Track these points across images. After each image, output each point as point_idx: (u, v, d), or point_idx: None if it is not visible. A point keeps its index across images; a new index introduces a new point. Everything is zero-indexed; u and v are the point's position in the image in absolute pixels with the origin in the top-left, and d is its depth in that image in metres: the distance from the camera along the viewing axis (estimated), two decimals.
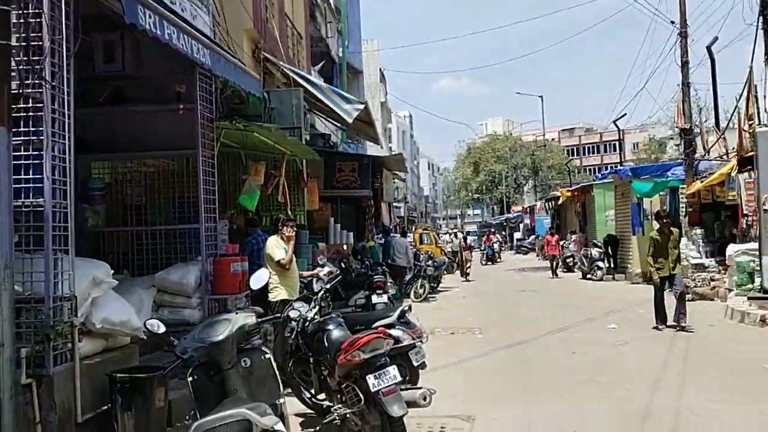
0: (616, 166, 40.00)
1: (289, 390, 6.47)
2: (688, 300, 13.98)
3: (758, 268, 12.35)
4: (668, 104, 69.88)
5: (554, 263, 24.27)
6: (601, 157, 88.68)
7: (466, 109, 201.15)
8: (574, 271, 24.78)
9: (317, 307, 5.98)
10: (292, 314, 5.88)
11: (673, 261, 10.73)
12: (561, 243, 25.50)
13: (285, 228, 7.70)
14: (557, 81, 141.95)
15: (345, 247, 15.42)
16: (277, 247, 7.62)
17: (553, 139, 76.25)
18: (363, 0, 43.53)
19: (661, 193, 18.06)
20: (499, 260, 34.60)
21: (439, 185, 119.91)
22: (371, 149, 25.88)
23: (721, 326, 10.61)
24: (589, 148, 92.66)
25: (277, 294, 7.58)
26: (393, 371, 4.89)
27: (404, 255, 17.62)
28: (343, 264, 14.70)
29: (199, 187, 7.49)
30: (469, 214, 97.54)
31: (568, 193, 27.74)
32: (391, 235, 18.56)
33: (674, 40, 16.87)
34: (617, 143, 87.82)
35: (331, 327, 5.57)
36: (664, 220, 10.93)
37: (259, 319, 4.33)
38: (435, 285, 19.15)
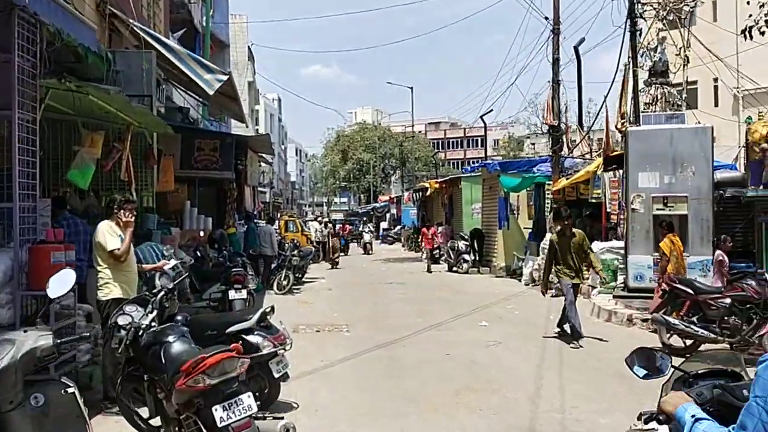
0: (479, 161, 41.18)
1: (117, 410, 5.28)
2: (552, 296, 14.15)
3: (623, 266, 12.53)
4: (531, 104, 73.35)
5: (430, 258, 22.93)
6: (465, 152, 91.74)
7: (336, 98, 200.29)
8: (440, 263, 24.75)
9: (155, 312, 4.83)
10: (121, 321, 4.70)
11: (578, 267, 9.45)
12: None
13: (122, 212, 6.35)
14: (426, 75, 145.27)
15: (202, 233, 14.01)
16: (110, 234, 6.26)
17: (420, 132, 77.54)
18: None
19: (528, 188, 18.21)
20: (371, 252, 34.06)
21: (306, 172, 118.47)
22: (237, 129, 24.32)
23: (589, 325, 10.52)
24: (453, 142, 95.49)
25: (109, 292, 6.23)
26: (247, 400, 3.88)
27: (269, 244, 16.44)
28: (198, 253, 13.36)
29: (13, 157, 6.03)
30: (336, 202, 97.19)
31: (436, 185, 27.73)
32: (255, 221, 17.32)
33: (547, 36, 16.96)
34: (480, 139, 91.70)
35: (170, 339, 4.45)
36: (565, 222, 9.55)
37: (61, 340, 3.15)
38: (300, 276, 18.15)
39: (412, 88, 52.77)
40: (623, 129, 11.43)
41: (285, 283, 15.45)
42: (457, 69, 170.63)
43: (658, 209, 11.23)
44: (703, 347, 8.05)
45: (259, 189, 39.97)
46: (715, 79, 23.69)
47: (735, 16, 20.61)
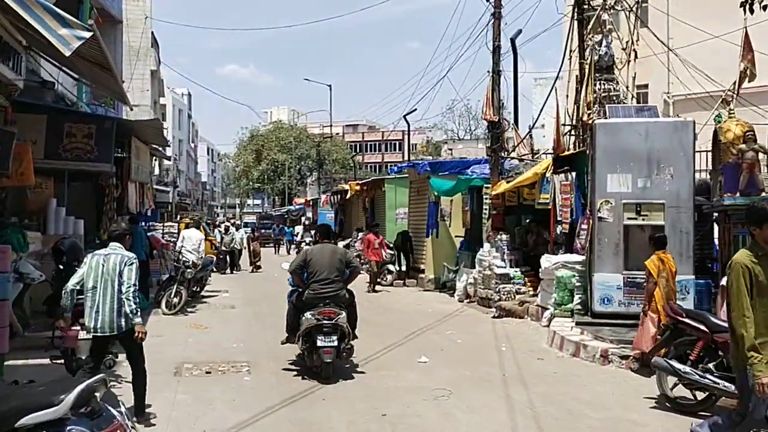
0: (396, 165, 39.20)
1: None
2: (494, 317, 12.15)
3: (579, 284, 10.66)
4: (448, 110, 72.55)
5: (375, 275, 17.97)
6: (383, 156, 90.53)
7: (253, 99, 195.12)
8: (360, 273, 22.47)
9: None
10: None
11: None
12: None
13: None
14: (345, 78, 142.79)
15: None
16: None
17: (337, 134, 75.34)
18: None
19: (462, 192, 16.22)
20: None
21: (219, 172, 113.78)
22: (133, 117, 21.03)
23: (552, 361, 8.50)
24: (371, 145, 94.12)
25: None
26: None
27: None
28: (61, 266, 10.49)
29: None
30: (249, 204, 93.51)
31: (357, 187, 25.46)
32: (142, 225, 14.46)
33: (486, 22, 15.03)
34: (399, 143, 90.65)
35: None
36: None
37: None
38: (198, 290, 15.39)
39: (330, 85, 50.71)
40: (590, 121, 9.56)
41: (176, 300, 12.70)
42: (376, 73, 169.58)
43: (629, 218, 9.38)
44: (721, 401, 6.14)
45: (159, 188, 36.49)
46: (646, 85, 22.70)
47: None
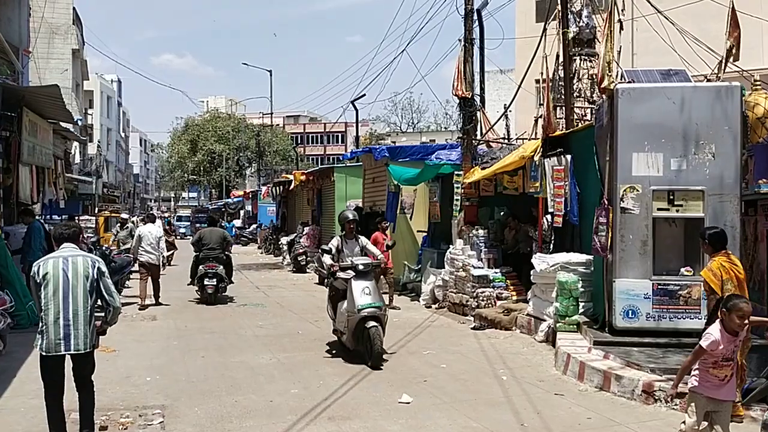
0: (339, 158, 36.90)
1: None
2: (475, 328, 10.10)
3: (584, 290, 8.68)
4: (390, 102, 70.60)
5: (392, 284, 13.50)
6: (325, 148, 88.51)
7: (189, 90, 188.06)
8: (306, 272, 20.14)
9: None
10: None
11: None
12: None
13: None
14: (286, 69, 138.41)
15: None
16: None
17: (278, 125, 72.42)
18: None
19: (428, 181, 14.11)
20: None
21: (152, 164, 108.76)
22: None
23: (576, 397, 6.43)
24: (313, 137, 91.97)
25: None
26: None
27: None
28: None
29: None
30: (184, 197, 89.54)
31: (302, 177, 23.06)
32: (39, 219, 11.73)
33: None
34: (341, 135, 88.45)
35: None
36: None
37: None
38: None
39: (270, 71, 48.08)
40: (610, 87, 7.56)
41: None
42: (317, 66, 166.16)
43: (660, 209, 7.43)
44: None
45: (80, 177, 33.06)
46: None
47: None
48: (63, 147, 17.49)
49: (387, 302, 11.86)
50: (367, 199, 17.38)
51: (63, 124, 15.21)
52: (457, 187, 12.76)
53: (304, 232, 21.76)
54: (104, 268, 5.20)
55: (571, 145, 10.11)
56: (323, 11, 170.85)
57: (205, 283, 13.04)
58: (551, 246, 10.54)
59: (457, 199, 12.78)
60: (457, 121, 13.20)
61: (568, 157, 9.97)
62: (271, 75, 47.45)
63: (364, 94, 30.34)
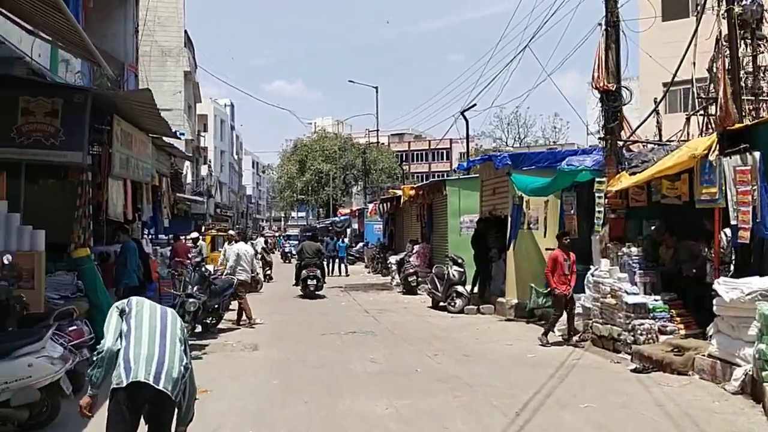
0: (444, 174, 35.18)
1: None
2: (635, 370, 8.10)
3: None
4: (495, 117, 68.41)
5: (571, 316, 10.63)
6: (429, 165, 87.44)
7: (299, 113, 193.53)
8: (418, 293, 18.61)
9: None
10: None
11: None
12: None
13: None
14: (389, 91, 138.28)
15: (7, 259, 7.49)
16: None
17: (383, 144, 71.97)
18: None
19: (563, 189, 12.23)
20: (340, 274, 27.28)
21: (264, 185, 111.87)
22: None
23: None
24: (418, 154, 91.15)
25: None
26: None
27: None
28: None
29: None
30: (293, 217, 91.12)
31: (411, 192, 21.63)
32: (132, 238, 10.94)
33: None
34: (446, 151, 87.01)
35: None
36: None
37: None
38: (215, 322, 11.79)
39: (376, 87, 46.90)
40: None
41: None
42: (420, 85, 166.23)
43: None
44: None
45: (192, 197, 33.37)
46: None
47: None
48: (169, 164, 16.98)
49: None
50: (486, 213, 15.63)
51: (167, 140, 14.59)
52: (599, 197, 10.80)
53: (414, 251, 20.31)
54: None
55: (759, 139, 8.02)
56: (427, 31, 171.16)
57: (308, 282, 17.70)
58: (731, 267, 8.42)
59: (599, 211, 10.81)
60: (598, 120, 11.27)
61: (756, 154, 7.89)
62: (377, 91, 46.67)
63: (475, 104, 28.66)
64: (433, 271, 15.97)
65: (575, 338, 10.36)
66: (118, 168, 9.51)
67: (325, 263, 21.22)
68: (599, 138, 11.50)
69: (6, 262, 7.46)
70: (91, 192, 9.22)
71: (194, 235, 19.45)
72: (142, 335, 3.70)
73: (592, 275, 10.55)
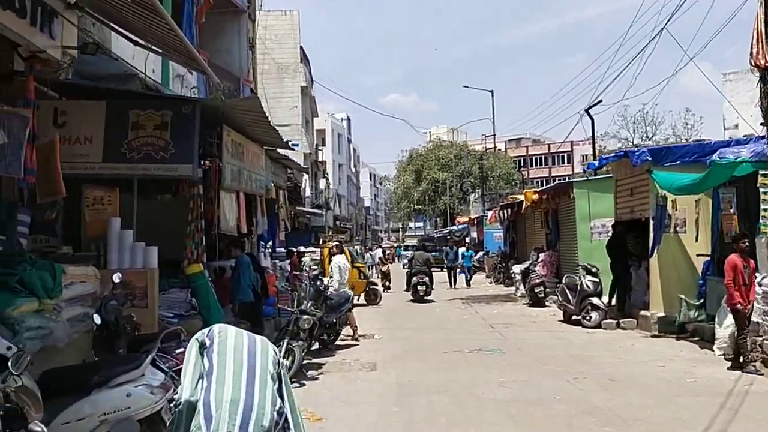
0: (566, 179, 33.28)
1: None
2: None
3: None
4: (619, 116, 64.58)
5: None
6: (549, 170, 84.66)
7: (413, 124, 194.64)
8: (546, 306, 17.30)
9: None
10: None
11: None
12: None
13: None
14: (502, 94, 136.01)
15: (117, 278, 7.23)
16: None
17: (500, 150, 70.19)
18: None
19: (718, 187, 10.65)
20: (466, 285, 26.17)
21: (381, 197, 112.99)
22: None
23: None
24: (537, 159, 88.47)
25: None
26: None
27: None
28: (108, 316, 6.80)
29: None
30: (410, 227, 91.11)
31: (534, 196, 20.29)
32: (247, 252, 10.60)
33: None
34: (566, 155, 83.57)
35: None
36: None
37: None
38: (332, 337, 11.25)
39: (492, 91, 45.56)
40: None
41: (287, 363, 8.48)
42: (536, 88, 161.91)
43: None
44: None
45: (311, 210, 33.62)
46: None
47: None
48: (285, 177, 16.84)
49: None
50: (623, 216, 14.13)
51: (282, 152, 14.38)
52: (765, 192, 9.20)
53: (540, 259, 19.00)
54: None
55: None
56: (538, 33, 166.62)
57: (417, 288, 19.68)
58: None
59: (765, 209, 9.20)
60: (757, 103, 9.64)
61: None
62: (492, 95, 45.35)
63: (601, 100, 26.62)
64: (564, 281, 14.66)
65: (743, 359, 8.81)
66: (230, 180, 9.17)
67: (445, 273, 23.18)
68: (761, 123, 9.85)
69: (116, 280, 7.19)
70: (203, 206, 8.91)
71: (301, 248, 19.05)
72: (225, 375, 3.01)
73: (760, 284, 8.98)
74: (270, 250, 15.55)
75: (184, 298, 8.82)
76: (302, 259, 18.54)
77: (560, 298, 14.68)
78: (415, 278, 19.87)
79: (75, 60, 8.41)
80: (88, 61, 9.06)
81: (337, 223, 51.51)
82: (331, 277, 13.25)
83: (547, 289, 17.67)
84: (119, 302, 7.17)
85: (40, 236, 8.58)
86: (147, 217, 8.89)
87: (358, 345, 11.71)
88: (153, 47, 8.55)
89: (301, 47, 37.22)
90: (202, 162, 9.18)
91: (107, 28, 9.17)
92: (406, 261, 36.93)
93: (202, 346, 3.16)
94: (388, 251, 35.04)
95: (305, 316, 8.96)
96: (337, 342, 11.50)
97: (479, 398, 7.61)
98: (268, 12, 35.31)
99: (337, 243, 16.76)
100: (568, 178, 30.31)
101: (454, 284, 25.27)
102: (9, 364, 3.43)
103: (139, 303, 8.24)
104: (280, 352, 8.48)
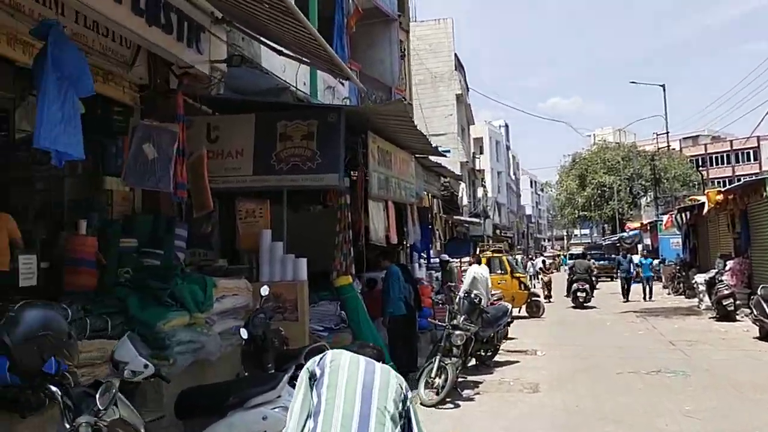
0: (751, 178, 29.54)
1: None
2: None
3: None
4: None
5: None
6: (733, 168, 76.88)
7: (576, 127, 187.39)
8: (736, 320, 15.22)
9: None
10: None
11: None
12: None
13: None
14: (675, 90, 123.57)
15: (265, 291, 7.07)
16: None
17: (673, 149, 64.88)
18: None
19: None
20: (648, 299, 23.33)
21: (543, 204, 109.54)
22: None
23: None
24: (717, 157, 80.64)
25: None
26: None
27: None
28: (256, 331, 6.60)
29: None
30: (576, 234, 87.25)
31: (719, 197, 18.07)
32: (399, 263, 10.19)
33: None
34: (752, 151, 75.52)
35: None
36: None
37: None
38: (490, 353, 10.52)
39: (663, 85, 41.98)
40: None
41: (440, 380, 7.91)
42: (712, 82, 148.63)
43: None
44: None
45: (469, 219, 32.93)
46: None
47: None
48: (439, 185, 16.41)
49: None
50: None
51: (434, 159, 13.93)
52: None
53: (728, 268, 16.89)
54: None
55: None
56: (715, 23, 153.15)
57: (577, 294, 20.40)
58: None
59: None
60: None
61: None
62: (664, 90, 41.86)
63: None
64: (759, 292, 12.69)
65: None
66: (377, 189, 8.83)
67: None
68: None
69: (264, 293, 7.03)
70: (350, 216, 8.63)
71: (444, 257, 17.73)
72: (333, 416, 2.48)
73: None
74: (425, 261, 15.12)
75: (334, 311, 8.58)
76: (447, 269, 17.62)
77: (755, 312, 12.72)
78: (575, 285, 20.59)
79: (225, 75, 8.60)
80: (241, 76, 9.22)
81: (497, 231, 50.29)
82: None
83: (738, 302, 15.59)
84: (267, 316, 7.01)
85: (197, 250, 8.81)
86: (296, 228, 8.79)
87: (519, 362, 10.85)
88: (297, 56, 8.45)
89: (455, 55, 36.84)
90: (349, 171, 8.94)
91: (257, 43, 9.25)
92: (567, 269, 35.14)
93: (312, 378, 2.66)
94: (549, 260, 33.35)
95: (458, 332, 8.33)
96: (496, 358, 10.74)
97: (661, 431, 6.52)
98: (421, 22, 35.49)
99: (477, 255, 15.82)
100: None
101: (627, 297, 23.03)
102: (97, 396, 3.12)
103: (289, 316, 8.12)
104: (431, 370, 8.00)
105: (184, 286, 6.75)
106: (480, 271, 12.24)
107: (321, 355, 2.72)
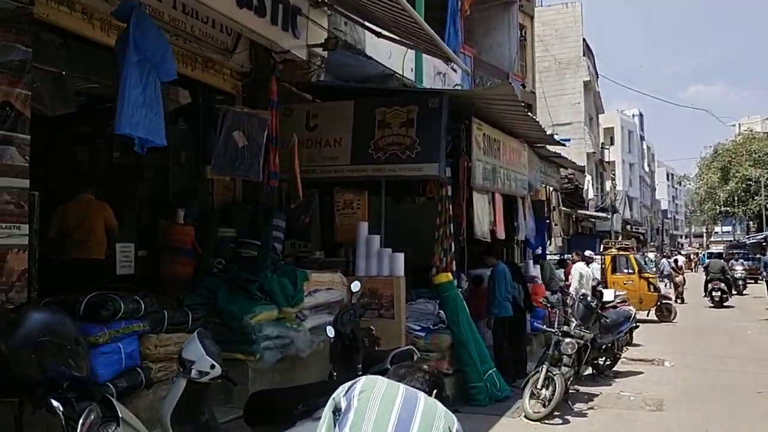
0: None
1: None
2: None
3: None
4: None
5: None
6: None
7: (720, 116, 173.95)
8: None
9: None
10: None
11: None
12: None
13: None
14: None
15: (356, 287, 6.67)
16: None
17: None
18: None
19: None
20: None
21: (681, 198, 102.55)
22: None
23: None
24: None
25: None
26: None
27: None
28: (344, 329, 6.20)
29: None
30: (716, 232, 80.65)
31: None
32: (507, 260, 9.46)
33: None
34: None
35: None
36: None
37: None
38: (609, 362, 9.57)
39: None
40: None
41: (546, 393, 7.15)
42: None
43: None
44: None
45: (595, 213, 31.12)
46: None
47: None
48: (559, 177, 15.39)
49: None
50: None
51: (553, 149, 13.01)
52: None
53: None
54: None
55: None
56: None
57: (713, 294, 20.12)
58: None
59: None
60: None
61: None
62: None
63: None
64: None
65: None
66: (481, 180, 8.19)
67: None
68: None
69: (354, 289, 6.63)
70: (452, 209, 8.06)
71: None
72: None
73: None
74: (542, 257, 14.22)
75: (432, 309, 8.05)
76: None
77: None
78: (710, 284, 20.72)
79: (325, 61, 8.30)
80: (346, 63, 8.92)
81: (628, 227, 47.35)
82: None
83: None
84: (356, 313, 6.61)
85: (296, 241, 8.60)
86: (395, 221, 8.35)
87: (642, 374, 9.80)
88: (399, 38, 7.97)
89: (584, 39, 34.86)
90: (455, 161, 8.37)
91: (360, 28, 8.89)
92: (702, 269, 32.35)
93: (337, 412, 2.17)
94: (683, 258, 30.75)
95: (568, 339, 7.51)
96: (616, 368, 9.76)
97: None
98: (548, 7, 33.89)
99: (581, 253, 14.55)
100: None
101: None
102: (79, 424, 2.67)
103: (385, 313, 7.72)
104: (537, 379, 7.26)
105: (273, 279, 6.51)
106: (584, 269, 11.84)
107: (351, 383, 2.22)
